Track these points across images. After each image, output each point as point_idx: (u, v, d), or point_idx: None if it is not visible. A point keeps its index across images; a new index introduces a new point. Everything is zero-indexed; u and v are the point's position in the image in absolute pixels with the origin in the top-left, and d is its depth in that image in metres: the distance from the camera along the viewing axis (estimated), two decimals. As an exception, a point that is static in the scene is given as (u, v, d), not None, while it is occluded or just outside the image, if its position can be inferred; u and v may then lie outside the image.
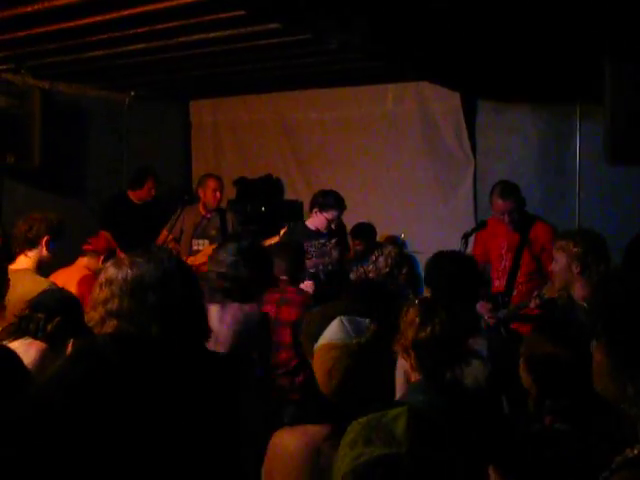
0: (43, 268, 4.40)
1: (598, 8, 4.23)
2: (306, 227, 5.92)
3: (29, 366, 3.26)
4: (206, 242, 6.59)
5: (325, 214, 5.77)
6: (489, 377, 3.17)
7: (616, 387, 1.63)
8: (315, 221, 5.87)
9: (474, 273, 3.58)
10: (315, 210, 5.83)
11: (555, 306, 4.61)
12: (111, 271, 3.49)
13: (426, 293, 3.53)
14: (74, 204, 6.98)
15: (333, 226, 5.84)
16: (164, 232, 6.60)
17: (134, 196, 7.03)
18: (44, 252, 4.37)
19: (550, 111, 6.58)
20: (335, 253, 5.88)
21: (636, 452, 1.57)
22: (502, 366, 3.10)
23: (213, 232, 6.66)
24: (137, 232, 6.40)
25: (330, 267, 5.84)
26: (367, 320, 2.47)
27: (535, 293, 4.84)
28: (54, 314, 3.44)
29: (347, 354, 2.26)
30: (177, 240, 6.60)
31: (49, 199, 6.74)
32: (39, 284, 3.96)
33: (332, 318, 2.43)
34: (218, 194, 6.69)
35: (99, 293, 2.65)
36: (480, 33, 4.88)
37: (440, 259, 3.58)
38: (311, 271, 5.83)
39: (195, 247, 6.58)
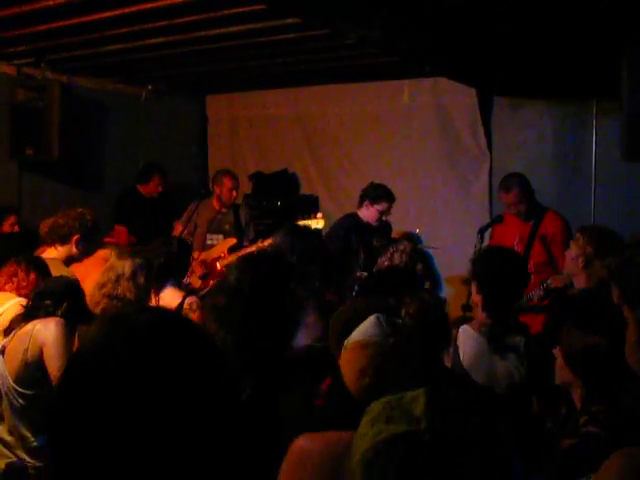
0: (69, 262, 4.54)
1: (615, 4, 4.23)
2: (359, 218, 6.03)
3: (55, 336, 3.37)
4: (220, 237, 6.62)
5: (377, 206, 5.92)
6: (525, 375, 3.19)
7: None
8: (366, 213, 6.00)
9: (522, 272, 3.58)
10: (366, 203, 5.96)
11: (562, 295, 4.64)
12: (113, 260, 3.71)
13: (473, 287, 3.53)
14: (92, 197, 7.04)
15: (384, 217, 5.96)
16: (178, 226, 6.63)
17: (142, 190, 7.10)
18: (73, 249, 4.52)
19: (566, 108, 6.56)
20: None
21: None
22: (539, 367, 3.10)
23: (227, 227, 6.69)
24: (147, 225, 6.45)
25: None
26: (401, 321, 2.47)
27: (542, 285, 4.87)
28: (62, 300, 3.53)
29: (382, 353, 2.21)
30: (191, 234, 6.63)
31: (68, 192, 6.82)
32: (65, 273, 4.09)
33: (362, 314, 2.38)
34: (234, 192, 6.71)
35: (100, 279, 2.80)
36: (496, 29, 4.88)
37: (490, 255, 3.60)
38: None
39: (209, 241, 6.61)
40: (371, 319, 2.32)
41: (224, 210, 6.72)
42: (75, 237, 4.50)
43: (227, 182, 6.65)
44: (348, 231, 5.96)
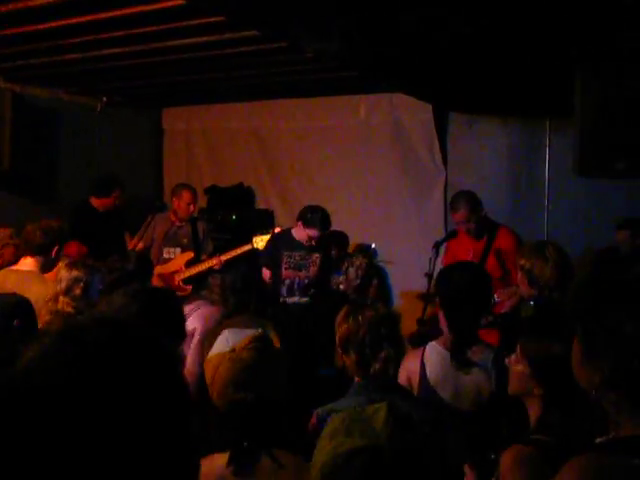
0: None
1: (569, 23, 4.31)
2: (291, 235, 5.93)
3: None
4: (177, 250, 6.55)
5: (308, 230, 5.79)
6: (493, 393, 3.18)
7: (587, 376, 1.71)
8: (298, 232, 5.88)
9: (485, 286, 3.58)
10: (299, 223, 5.85)
11: (511, 318, 4.69)
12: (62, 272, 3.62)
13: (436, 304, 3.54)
14: (44, 208, 6.90)
15: (313, 242, 5.84)
16: (134, 239, 6.56)
17: (97, 203, 6.87)
18: (51, 259, 4.44)
19: (521, 124, 6.68)
20: (314, 269, 5.93)
21: (603, 439, 1.63)
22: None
23: (185, 240, 6.63)
24: (99, 239, 6.32)
25: (306, 281, 5.90)
26: (258, 330, 2.50)
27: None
28: (10, 318, 3.45)
29: (221, 362, 2.29)
30: (148, 247, 6.56)
31: (18, 203, 6.68)
32: (48, 286, 4.08)
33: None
34: (192, 207, 6.65)
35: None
36: (452, 46, 4.94)
37: (451, 270, 3.59)
38: (286, 282, 5.87)
39: (166, 255, 6.54)
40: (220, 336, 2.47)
41: (181, 223, 6.66)
42: (56, 248, 4.48)
43: (186, 196, 6.58)
44: (277, 248, 5.92)
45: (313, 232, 5.77)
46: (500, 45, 4.87)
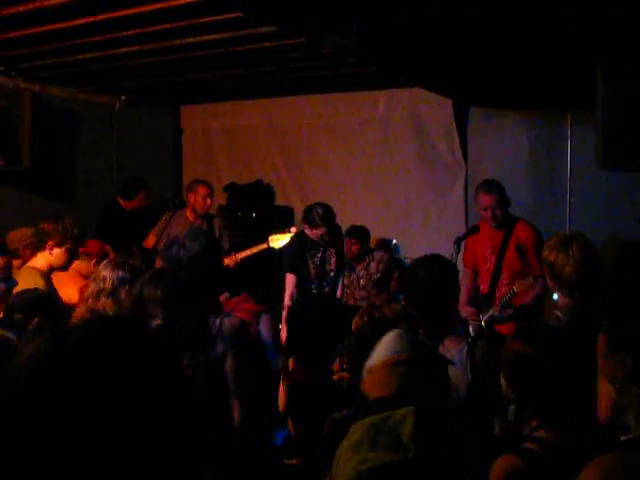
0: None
1: (590, 15, 4.26)
2: (306, 236, 5.98)
3: None
4: None
5: (315, 230, 5.85)
6: (470, 386, 3.13)
7: (611, 369, 1.69)
8: (310, 233, 5.94)
9: (448, 278, 3.51)
10: (306, 226, 5.90)
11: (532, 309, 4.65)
12: (105, 272, 3.55)
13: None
14: (63, 207, 6.93)
15: (326, 238, 5.89)
16: (151, 237, 6.55)
17: (125, 205, 7.00)
18: (60, 258, 4.46)
19: (541, 118, 6.61)
20: (334, 261, 6.05)
21: (629, 437, 1.60)
22: (484, 374, 3.06)
23: None
24: (128, 238, 6.35)
25: (332, 274, 6.06)
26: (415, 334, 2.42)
27: (506, 297, 4.94)
28: (32, 314, 3.44)
29: (411, 366, 2.18)
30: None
31: (38, 202, 6.70)
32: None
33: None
34: (209, 201, 6.63)
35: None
36: (472, 39, 4.89)
37: (415, 266, 3.52)
38: (316, 281, 5.95)
39: None
40: (391, 336, 2.27)
41: (198, 221, 6.65)
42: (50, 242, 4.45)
43: (201, 190, 6.57)
44: (301, 249, 5.97)
45: (321, 230, 5.83)
46: (520, 39, 4.82)
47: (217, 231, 6.73)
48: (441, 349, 3.19)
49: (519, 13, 4.33)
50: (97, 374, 0.94)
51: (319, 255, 5.98)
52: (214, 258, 3.54)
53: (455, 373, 3.14)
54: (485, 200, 5.32)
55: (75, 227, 4.54)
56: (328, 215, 5.83)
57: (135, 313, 2.99)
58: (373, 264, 6.39)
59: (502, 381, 2.43)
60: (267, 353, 5.61)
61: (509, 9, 4.26)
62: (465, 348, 3.22)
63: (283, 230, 6.22)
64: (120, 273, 3.58)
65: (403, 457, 1.32)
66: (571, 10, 4.20)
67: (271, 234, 6.19)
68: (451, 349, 3.21)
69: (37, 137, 6.36)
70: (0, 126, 6.23)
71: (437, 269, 3.43)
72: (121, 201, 7.00)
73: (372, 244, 6.73)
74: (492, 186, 5.35)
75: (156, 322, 2.85)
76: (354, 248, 6.36)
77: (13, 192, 6.71)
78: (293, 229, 6.27)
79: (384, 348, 2.23)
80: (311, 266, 5.99)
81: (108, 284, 3.56)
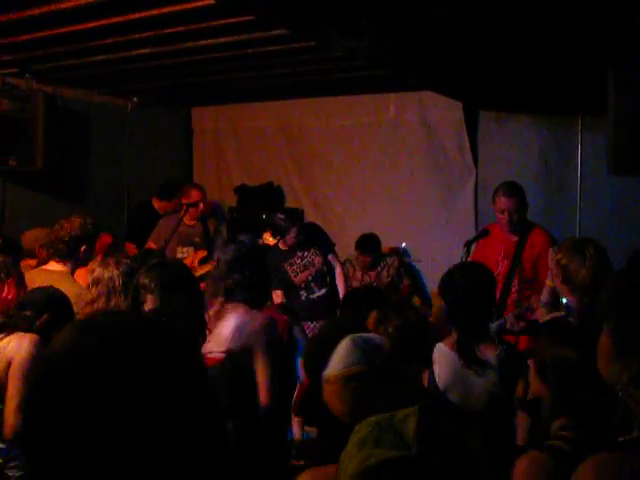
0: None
1: (602, 19, 4.26)
2: (279, 249, 6.10)
3: (24, 356, 3.28)
4: (191, 249, 6.59)
5: (289, 236, 6.02)
6: (497, 392, 3.15)
7: (614, 371, 1.69)
8: (287, 243, 6.09)
9: (488, 285, 3.55)
10: (277, 238, 6.05)
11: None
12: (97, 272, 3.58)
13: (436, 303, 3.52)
14: (76, 208, 6.95)
15: (302, 237, 6.04)
16: (150, 244, 6.56)
17: (159, 205, 7.04)
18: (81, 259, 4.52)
19: (552, 122, 6.60)
20: (318, 259, 6.11)
21: (625, 438, 1.61)
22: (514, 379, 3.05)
23: (197, 239, 6.67)
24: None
25: (318, 274, 6.09)
26: (377, 336, 2.40)
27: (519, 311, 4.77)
28: (42, 311, 3.47)
29: (367, 382, 2.15)
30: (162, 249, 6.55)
31: (51, 203, 6.77)
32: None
33: (337, 336, 2.30)
34: (202, 205, 6.66)
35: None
36: (483, 43, 4.90)
37: (454, 271, 3.55)
38: (302, 286, 5.98)
39: (180, 254, 6.56)
40: (347, 343, 2.22)
41: (193, 223, 6.68)
42: (83, 247, 4.51)
43: (194, 194, 6.59)
44: (274, 262, 5.94)
45: (293, 232, 6.02)
46: (531, 42, 4.82)
47: (212, 232, 6.78)
48: (478, 354, 3.23)
49: (530, 17, 4.33)
50: (136, 359, 1.00)
51: (298, 261, 6.04)
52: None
53: (490, 377, 3.18)
54: (504, 203, 5.18)
55: (89, 222, 4.59)
56: (290, 215, 6.00)
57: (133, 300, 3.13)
58: (385, 271, 6.44)
59: (534, 382, 2.42)
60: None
61: (521, 13, 4.26)
62: (502, 353, 3.26)
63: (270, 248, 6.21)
64: (124, 268, 3.66)
65: (406, 453, 1.35)
66: (583, 14, 4.20)
67: (265, 232, 6.24)
68: (488, 354, 3.26)
69: (50, 138, 6.41)
70: (14, 127, 6.29)
71: (474, 276, 3.47)
72: (155, 201, 7.05)
73: (385, 250, 6.73)
74: (514, 189, 5.23)
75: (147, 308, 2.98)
76: (366, 260, 6.43)
77: (26, 192, 6.77)
78: (268, 241, 6.25)
79: (340, 358, 2.20)
80: (291, 274, 6.05)
81: (117, 282, 3.61)
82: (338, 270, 6.28)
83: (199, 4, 4.21)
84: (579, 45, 4.75)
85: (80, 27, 4.85)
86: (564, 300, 3.90)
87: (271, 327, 3.45)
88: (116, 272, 3.65)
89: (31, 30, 5.02)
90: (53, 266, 4.46)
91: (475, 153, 6.87)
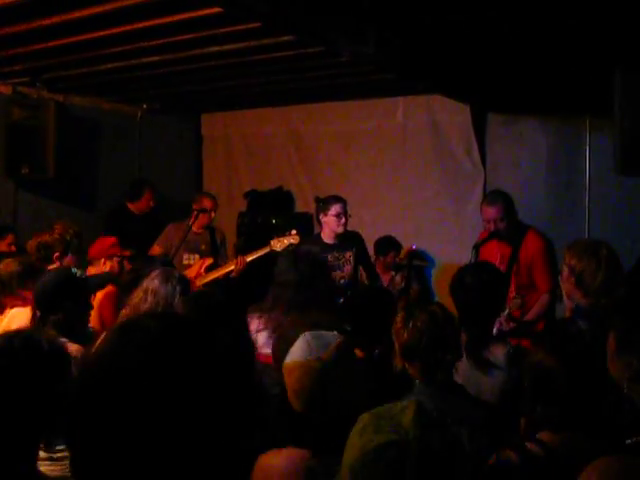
0: None
1: (608, 21, 4.27)
2: (321, 238, 5.87)
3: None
4: (197, 256, 6.59)
5: (331, 213, 5.70)
6: (507, 391, 3.15)
7: (618, 370, 1.71)
8: (326, 229, 5.81)
9: (498, 285, 3.57)
10: (321, 216, 5.80)
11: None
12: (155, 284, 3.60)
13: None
14: (88, 214, 7.05)
15: (344, 219, 5.72)
16: (156, 247, 6.58)
17: (133, 207, 7.08)
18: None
19: (560, 123, 6.61)
20: (348, 268, 5.81)
21: (632, 440, 1.62)
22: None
23: (203, 247, 6.68)
24: (140, 242, 6.40)
25: (342, 281, 5.75)
26: (334, 333, 2.43)
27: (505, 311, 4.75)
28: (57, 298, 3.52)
29: (309, 373, 2.23)
30: (168, 254, 6.56)
31: (63, 210, 6.82)
32: None
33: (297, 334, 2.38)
34: (212, 214, 6.68)
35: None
36: (490, 46, 4.92)
37: (464, 272, 3.57)
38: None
39: (186, 261, 6.58)
40: (300, 339, 2.33)
41: (201, 231, 6.71)
42: (56, 254, 4.57)
43: (206, 203, 6.60)
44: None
45: (336, 208, 5.71)
46: (538, 45, 4.84)
47: (218, 241, 6.80)
48: (487, 354, 3.25)
49: (537, 19, 4.35)
50: (178, 358, 1.04)
51: (330, 258, 5.71)
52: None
53: (498, 377, 3.19)
54: (487, 213, 5.21)
55: (70, 229, 4.64)
56: (336, 196, 5.82)
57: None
58: (398, 276, 6.44)
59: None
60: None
61: (528, 15, 4.28)
62: (511, 351, 3.27)
63: (284, 234, 6.14)
64: (171, 286, 3.67)
65: (404, 437, 1.43)
66: (590, 16, 4.21)
67: (273, 238, 6.17)
68: (497, 354, 3.27)
69: (61, 146, 6.48)
70: (25, 135, 6.37)
71: (484, 277, 3.49)
72: (129, 204, 7.08)
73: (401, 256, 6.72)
74: (496, 198, 5.22)
75: None
76: (389, 261, 6.45)
77: (38, 200, 6.84)
78: (293, 232, 6.13)
79: (297, 350, 2.30)
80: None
81: (162, 299, 3.62)
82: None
83: (207, 12, 4.26)
84: (586, 47, 4.76)
85: (89, 36, 4.92)
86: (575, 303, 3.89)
87: None
88: (178, 289, 3.68)
89: (41, 40, 5.08)
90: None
91: (483, 156, 6.88)
